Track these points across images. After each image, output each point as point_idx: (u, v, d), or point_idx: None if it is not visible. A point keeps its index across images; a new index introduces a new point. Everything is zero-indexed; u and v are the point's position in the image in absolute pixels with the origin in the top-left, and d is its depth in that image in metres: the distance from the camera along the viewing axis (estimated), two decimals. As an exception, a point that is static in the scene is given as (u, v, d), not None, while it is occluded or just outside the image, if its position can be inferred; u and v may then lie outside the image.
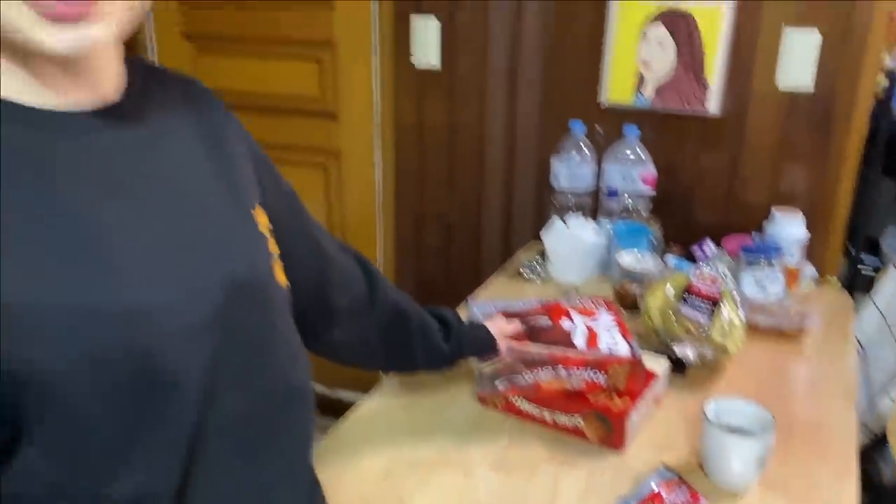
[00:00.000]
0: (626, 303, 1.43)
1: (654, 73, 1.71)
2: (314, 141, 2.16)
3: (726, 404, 1.00)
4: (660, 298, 1.25)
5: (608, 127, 1.78)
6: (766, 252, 1.48)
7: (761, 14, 1.61)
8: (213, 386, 0.60)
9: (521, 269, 1.65)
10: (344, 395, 2.31)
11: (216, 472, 0.62)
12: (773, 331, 1.39)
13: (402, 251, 2.17)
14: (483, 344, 1.05)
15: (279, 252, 0.71)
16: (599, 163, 1.73)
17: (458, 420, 1.09)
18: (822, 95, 1.61)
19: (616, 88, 1.76)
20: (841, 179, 1.65)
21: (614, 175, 1.69)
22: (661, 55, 1.70)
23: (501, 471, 0.99)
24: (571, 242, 1.62)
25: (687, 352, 1.21)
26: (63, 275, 0.51)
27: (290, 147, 2.15)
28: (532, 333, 1.06)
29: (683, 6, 1.65)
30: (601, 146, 1.75)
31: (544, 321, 1.09)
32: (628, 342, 1.05)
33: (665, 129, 1.75)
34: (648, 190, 1.68)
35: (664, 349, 1.22)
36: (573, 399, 1.04)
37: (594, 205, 1.76)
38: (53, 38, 0.50)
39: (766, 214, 1.63)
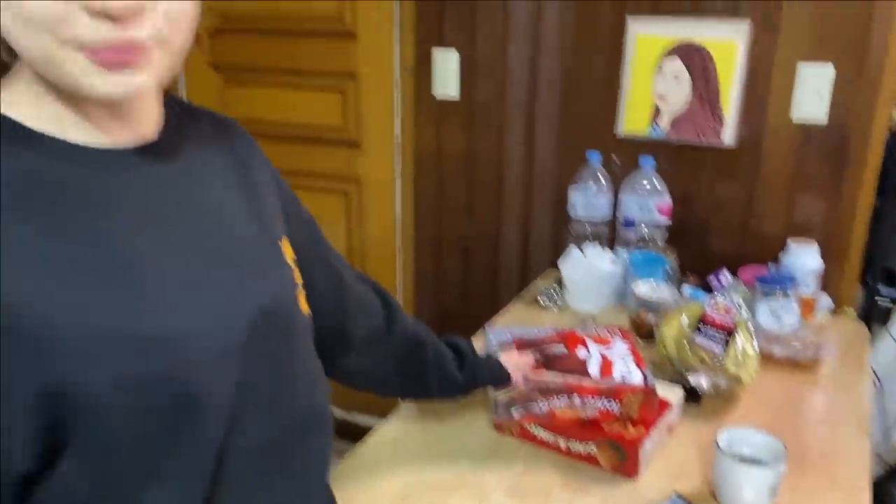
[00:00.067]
0: (642, 332, 1.45)
1: (670, 105, 1.75)
2: (337, 168, 2.21)
3: (739, 434, 1.01)
4: (674, 328, 1.27)
5: (624, 157, 1.81)
6: (782, 282, 1.49)
7: (776, 48, 1.64)
8: (238, 408, 0.63)
9: (539, 297, 1.67)
10: (361, 419, 2.34)
11: (238, 490, 0.65)
12: (789, 361, 1.39)
13: (420, 276, 2.20)
14: (496, 375, 1.07)
15: (302, 282, 0.75)
16: (616, 193, 1.76)
17: (474, 446, 1.11)
18: (837, 128, 1.63)
19: (632, 119, 1.80)
20: (856, 211, 1.66)
21: (631, 205, 1.72)
22: (676, 88, 1.73)
23: (516, 496, 1.00)
24: (588, 271, 1.64)
25: (701, 381, 1.22)
26: (104, 302, 0.55)
27: (314, 174, 2.21)
28: (547, 361, 1.08)
29: (698, 40, 1.68)
30: (618, 176, 1.78)
31: (559, 349, 1.11)
32: (642, 371, 1.07)
33: (680, 159, 1.78)
34: (664, 220, 1.70)
35: (679, 378, 1.24)
36: (587, 427, 1.06)
37: (611, 234, 1.78)
38: (104, 83, 0.54)
39: (783, 245, 1.65)
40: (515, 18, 1.85)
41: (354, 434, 1.34)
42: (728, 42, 1.66)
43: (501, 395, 1.07)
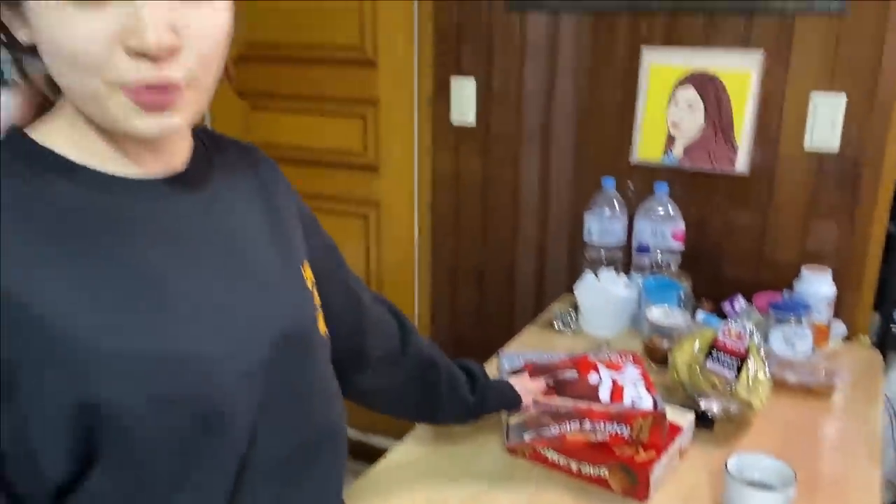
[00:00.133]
0: (656, 357, 1.47)
1: (684, 133, 1.77)
2: (356, 192, 2.26)
3: (749, 459, 1.03)
4: (687, 353, 1.28)
5: (639, 184, 1.83)
6: (795, 309, 1.50)
7: (788, 78, 1.67)
8: (258, 426, 0.67)
9: (553, 321, 1.69)
10: (377, 440, 2.36)
11: (256, 501, 0.68)
12: (801, 388, 1.40)
13: (437, 300, 2.23)
14: (508, 399, 1.08)
15: (320, 303, 0.78)
16: (631, 218, 1.78)
17: (487, 467, 1.13)
18: (849, 156, 1.65)
19: (646, 147, 1.82)
20: (870, 237, 1.67)
21: (645, 231, 1.74)
22: (690, 116, 1.76)
23: (528, 518, 1.02)
24: (603, 296, 1.66)
25: (712, 406, 1.23)
26: (136, 323, 0.59)
27: (334, 198, 2.27)
28: (559, 386, 1.10)
29: (712, 69, 1.71)
30: (632, 202, 1.80)
31: (571, 374, 1.13)
32: (652, 395, 1.09)
33: (694, 186, 1.80)
34: (678, 245, 1.72)
35: (691, 403, 1.25)
36: (598, 450, 1.07)
37: (626, 259, 1.80)
38: (143, 124, 0.59)
39: (797, 272, 1.66)
40: (531, 48, 1.90)
41: (370, 455, 1.36)
42: (741, 72, 1.69)
43: (513, 419, 1.10)
